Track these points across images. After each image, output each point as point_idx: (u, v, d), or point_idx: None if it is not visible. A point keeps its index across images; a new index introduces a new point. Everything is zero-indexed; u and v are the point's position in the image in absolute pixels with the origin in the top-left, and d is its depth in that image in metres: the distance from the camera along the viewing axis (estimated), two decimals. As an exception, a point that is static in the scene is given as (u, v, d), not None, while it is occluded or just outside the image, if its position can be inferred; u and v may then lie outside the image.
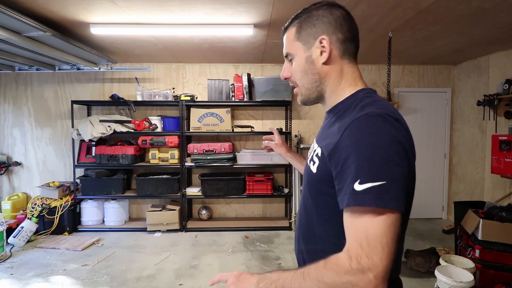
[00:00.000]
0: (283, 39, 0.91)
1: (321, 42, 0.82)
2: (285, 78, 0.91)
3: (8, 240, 3.54)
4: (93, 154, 4.19)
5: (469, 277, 2.23)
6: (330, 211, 0.79)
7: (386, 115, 0.71)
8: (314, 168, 0.83)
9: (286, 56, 0.89)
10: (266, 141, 1.42)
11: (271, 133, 1.45)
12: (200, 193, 4.23)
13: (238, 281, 0.77)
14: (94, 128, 3.96)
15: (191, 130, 4.18)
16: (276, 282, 0.73)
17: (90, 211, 4.27)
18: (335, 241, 0.77)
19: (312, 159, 0.86)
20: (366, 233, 0.65)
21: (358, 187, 0.66)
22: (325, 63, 0.84)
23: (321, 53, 0.83)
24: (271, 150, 1.43)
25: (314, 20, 0.83)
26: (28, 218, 3.89)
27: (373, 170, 0.66)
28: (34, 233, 3.83)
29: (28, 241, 3.73)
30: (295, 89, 0.92)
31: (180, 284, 2.81)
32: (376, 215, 0.65)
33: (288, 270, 0.74)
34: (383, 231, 0.64)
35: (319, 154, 0.82)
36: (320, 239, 0.85)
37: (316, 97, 0.89)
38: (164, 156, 4.18)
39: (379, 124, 0.70)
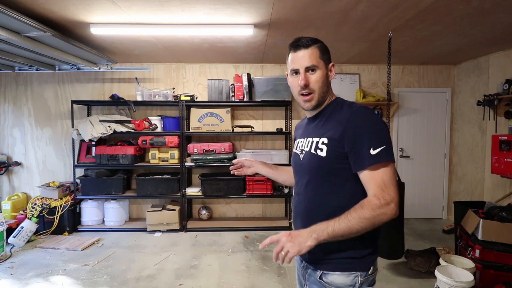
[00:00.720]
0: (301, 52, 1.14)
1: (332, 66, 1.19)
2: (305, 86, 1.14)
3: (8, 240, 3.54)
4: (93, 154, 4.19)
5: (469, 277, 2.23)
6: (341, 181, 1.10)
7: (370, 108, 1.10)
8: (323, 153, 1.11)
9: (308, 67, 1.13)
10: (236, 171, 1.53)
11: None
12: (200, 193, 4.23)
13: (292, 238, 0.97)
14: (94, 128, 3.96)
15: (191, 130, 4.18)
16: (326, 229, 0.97)
17: (90, 211, 4.27)
18: (347, 202, 1.06)
19: (317, 148, 1.13)
20: (383, 180, 1.00)
21: (373, 152, 1.01)
22: (330, 81, 1.20)
23: (331, 73, 1.19)
24: (240, 168, 1.51)
25: (327, 50, 1.18)
26: (28, 218, 3.89)
27: (379, 139, 1.03)
28: (34, 233, 3.83)
29: (28, 241, 3.73)
30: (309, 95, 1.15)
31: (180, 284, 2.81)
32: (385, 167, 1.01)
33: (331, 220, 0.99)
34: (391, 176, 1.02)
35: (326, 142, 1.11)
36: (333, 205, 1.10)
37: (322, 103, 1.19)
38: (164, 156, 4.18)
39: (370, 112, 1.08)
